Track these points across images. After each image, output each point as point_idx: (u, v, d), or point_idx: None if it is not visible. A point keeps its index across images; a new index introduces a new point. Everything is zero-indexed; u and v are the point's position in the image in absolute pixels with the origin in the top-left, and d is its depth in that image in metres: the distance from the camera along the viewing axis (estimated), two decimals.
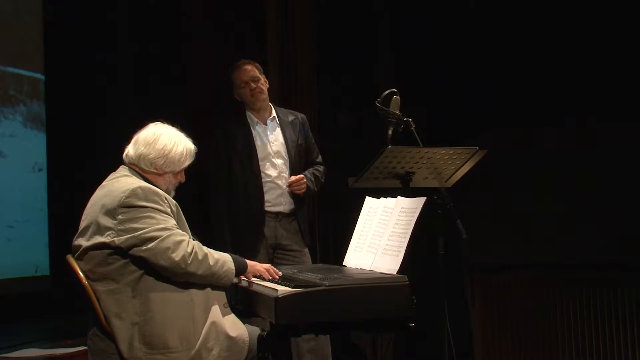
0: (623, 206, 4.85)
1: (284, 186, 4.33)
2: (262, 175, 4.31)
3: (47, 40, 5.98)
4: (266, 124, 4.40)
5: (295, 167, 4.38)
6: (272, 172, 4.34)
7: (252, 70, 4.40)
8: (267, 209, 4.30)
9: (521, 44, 5.24)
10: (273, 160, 4.36)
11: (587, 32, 5.09)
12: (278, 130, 4.41)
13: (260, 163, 4.32)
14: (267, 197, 4.31)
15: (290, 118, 4.49)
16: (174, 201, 2.99)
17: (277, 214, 4.33)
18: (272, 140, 4.38)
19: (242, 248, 4.20)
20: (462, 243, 3.39)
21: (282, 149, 4.38)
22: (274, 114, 4.44)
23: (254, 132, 4.37)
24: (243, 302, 3.12)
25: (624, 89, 5.01)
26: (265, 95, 4.40)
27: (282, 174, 4.36)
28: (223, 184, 4.33)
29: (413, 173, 3.34)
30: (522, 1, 5.29)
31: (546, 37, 5.20)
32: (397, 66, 5.54)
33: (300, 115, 4.54)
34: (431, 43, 5.42)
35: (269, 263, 4.18)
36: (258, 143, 4.35)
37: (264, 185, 4.31)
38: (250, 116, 4.41)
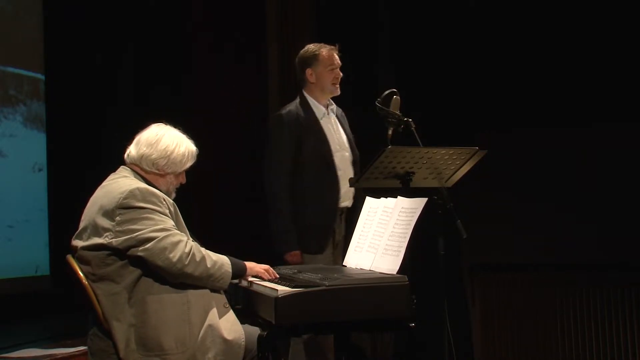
0: (623, 206, 4.86)
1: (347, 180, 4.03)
2: (337, 167, 4.03)
3: (47, 40, 5.98)
4: (329, 114, 4.15)
5: (356, 161, 4.12)
6: (342, 165, 4.07)
7: (339, 59, 4.13)
8: (341, 204, 4.03)
9: (521, 44, 5.24)
10: (341, 152, 4.10)
11: (587, 32, 5.09)
12: (337, 123, 4.16)
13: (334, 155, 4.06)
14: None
15: (339, 111, 4.22)
16: (172, 201, 2.99)
17: (343, 209, 4.08)
18: (338, 132, 4.12)
19: (308, 244, 3.99)
20: (462, 243, 3.39)
21: (346, 141, 4.14)
22: (332, 104, 4.17)
23: (321, 122, 4.09)
24: (243, 302, 3.12)
25: (623, 89, 5.01)
26: None
27: (348, 168, 4.10)
28: (287, 170, 4.00)
29: (413, 173, 3.34)
30: (522, 1, 5.29)
31: (546, 37, 5.21)
32: (397, 65, 5.54)
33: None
34: (431, 43, 5.42)
35: (333, 260, 4.01)
36: (328, 133, 4.07)
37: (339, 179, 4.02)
38: (315, 103, 4.11)
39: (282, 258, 3.98)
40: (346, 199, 4.08)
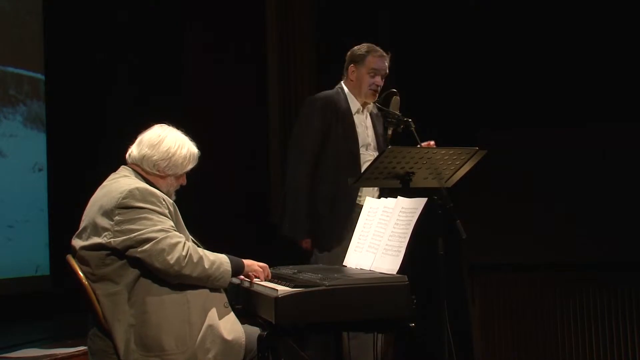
0: (623, 206, 4.86)
1: None
2: (361, 166, 3.96)
3: (47, 40, 5.99)
4: (363, 113, 4.09)
5: None
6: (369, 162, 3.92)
7: (386, 67, 4.08)
8: (358, 201, 3.94)
9: (520, 43, 5.24)
10: (369, 151, 4.04)
11: (587, 32, 5.10)
12: (370, 121, 4.11)
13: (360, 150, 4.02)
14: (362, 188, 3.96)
15: (375, 110, 4.13)
16: (172, 201, 2.98)
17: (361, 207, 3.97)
18: (369, 131, 4.08)
19: (322, 236, 3.95)
20: (462, 243, 3.39)
21: (374, 142, 4.08)
22: (370, 103, 4.11)
23: (354, 116, 4.03)
24: (243, 302, 3.12)
25: (623, 89, 5.01)
26: None
27: None
28: (312, 159, 3.96)
29: (413, 173, 3.34)
30: (522, 1, 5.29)
31: (546, 37, 5.21)
32: (397, 64, 5.53)
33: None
34: (431, 42, 5.42)
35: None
36: (359, 129, 4.03)
37: None
38: (352, 98, 4.07)
39: (295, 245, 3.95)
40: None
